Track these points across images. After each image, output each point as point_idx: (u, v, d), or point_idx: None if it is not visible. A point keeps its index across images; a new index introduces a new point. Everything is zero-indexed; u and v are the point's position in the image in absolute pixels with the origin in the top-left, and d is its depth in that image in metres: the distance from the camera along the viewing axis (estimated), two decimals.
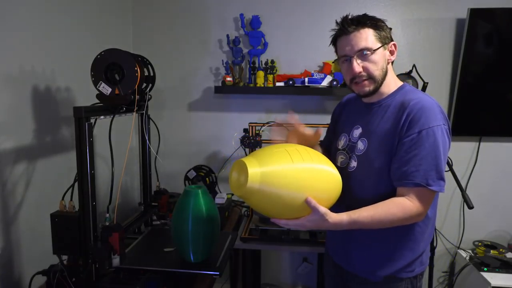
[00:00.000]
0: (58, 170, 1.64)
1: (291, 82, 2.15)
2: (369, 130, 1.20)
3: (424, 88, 1.96)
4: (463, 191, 1.68)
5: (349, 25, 1.15)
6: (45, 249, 1.40)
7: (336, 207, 1.18)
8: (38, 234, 1.50)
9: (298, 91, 2.16)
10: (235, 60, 2.29)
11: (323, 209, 1.04)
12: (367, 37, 1.14)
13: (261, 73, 2.21)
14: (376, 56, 1.15)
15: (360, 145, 1.21)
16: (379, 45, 1.15)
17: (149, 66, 1.53)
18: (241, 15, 2.26)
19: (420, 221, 1.17)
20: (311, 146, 1.31)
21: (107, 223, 1.30)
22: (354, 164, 1.22)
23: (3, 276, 1.37)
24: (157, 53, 2.38)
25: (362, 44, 1.14)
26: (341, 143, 1.30)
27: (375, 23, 1.16)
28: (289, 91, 2.18)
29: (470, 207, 1.61)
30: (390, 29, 1.22)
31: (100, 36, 2.02)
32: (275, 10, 2.30)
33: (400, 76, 2.22)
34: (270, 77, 2.22)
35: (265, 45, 2.30)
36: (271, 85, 2.22)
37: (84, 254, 1.27)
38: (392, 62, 1.23)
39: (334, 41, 1.23)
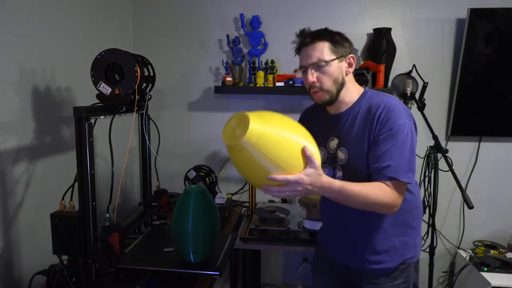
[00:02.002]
0: (58, 170, 1.64)
1: (291, 82, 2.15)
2: (346, 139, 1.25)
3: (424, 88, 1.96)
4: (463, 191, 1.67)
5: (306, 37, 1.23)
6: (45, 249, 1.40)
7: (328, 215, 1.27)
8: (38, 234, 1.50)
9: (298, 91, 2.16)
10: (235, 60, 2.29)
11: (317, 163, 1.03)
12: (322, 50, 1.20)
13: (261, 73, 2.21)
14: (330, 68, 1.20)
15: (341, 155, 1.26)
16: (334, 57, 1.20)
17: (149, 66, 1.53)
18: (241, 15, 2.26)
19: (409, 210, 1.27)
20: None
21: (107, 223, 1.30)
22: (340, 174, 1.26)
23: (3, 276, 1.37)
24: (157, 53, 2.38)
25: (316, 55, 1.20)
26: (320, 156, 1.30)
27: (332, 37, 1.22)
28: (289, 91, 2.18)
29: (470, 207, 1.61)
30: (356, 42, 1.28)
31: (100, 36, 2.02)
32: (275, 10, 2.30)
33: (400, 76, 2.22)
34: (270, 77, 2.22)
35: (265, 45, 2.30)
36: (271, 85, 2.22)
37: (84, 254, 1.27)
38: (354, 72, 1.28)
39: (298, 52, 1.29)
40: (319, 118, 1.38)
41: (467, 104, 2.21)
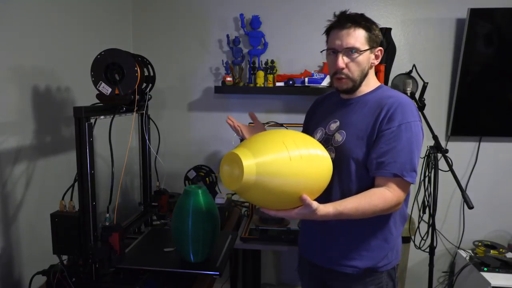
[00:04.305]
0: (58, 170, 1.64)
1: (291, 82, 2.15)
2: (347, 122, 1.24)
3: (424, 88, 1.96)
4: (463, 191, 1.67)
5: (346, 20, 1.18)
6: (45, 249, 1.40)
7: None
8: (38, 234, 1.50)
9: (298, 91, 2.16)
10: (235, 60, 2.29)
11: (315, 204, 1.05)
12: (358, 37, 1.18)
13: (261, 73, 2.21)
14: (361, 57, 1.19)
15: (338, 137, 1.24)
16: (367, 47, 1.19)
17: (149, 66, 1.53)
18: (241, 15, 2.26)
19: (394, 215, 1.24)
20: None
21: (107, 223, 1.30)
22: (332, 155, 1.23)
23: (3, 276, 1.37)
24: (157, 53, 2.38)
25: (352, 42, 1.17)
26: (317, 136, 1.32)
27: (369, 26, 1.19)
28: (289, 91, 2.18)
29: (470, 207, 1.61)
30: (387, 30, 1.24)
31: (100, 36, 2.02)
32: (275, 10, 2.30)
33: (400, 76, 2.22)
34: (270, 77, 2.22)
35: (265, 45, 2.30)
36: (271, 85, 2.22)
37: (84, 254, 1.27)
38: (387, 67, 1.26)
39: (328, 32, 1.26)
40: (328, 103, 1.39)
41: (467, 104, 2.21)
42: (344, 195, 1.17)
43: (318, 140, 1.30)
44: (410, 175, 1.14)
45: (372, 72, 1.27)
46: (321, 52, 1.29)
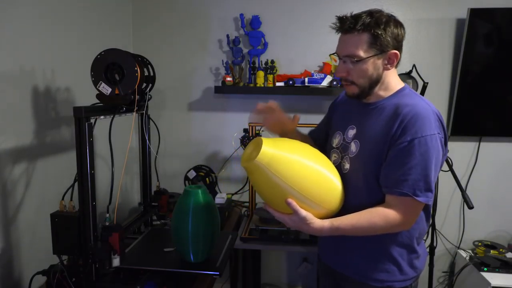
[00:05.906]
0: (58, 170, 1.64)
1: (291, 82, 2.15)
2: (363, 132, 1.17)
3: (424, 88, 1.96)
4: (463, 191, 1.68)
5: (346, 24, 1.09)
6: (45, 249, 1.40)
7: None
8: (38, 234, 1.50)
9: (298, 91, 2.16)
10: (235, 60, 2.29)
11: (304, 213, 1.04)
12: (359, 44, 1.08)
13: (261, 73, 2.21)
14: (364, 65, 1.09)
15: (353, 147, 1.18)
16: (371, 54, 1.08)
17: (149, 66, 1.53)
18: (241, 15, 2.26)
19: (413, 230, 1.16)
20: (289, 131, 1.34)
21: (107, 223, 1.30)
22: (347, 166, 1.19)
23: (3, 276, 1.37)
24: (157, 53, 2.38)
25: (351, 50, 1.09)
26: (336, 141, 1.27)
27: (375, 30, 1.07)
28: (289, 91, 2.18)
29: (470, 207, 1.61)
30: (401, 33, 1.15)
31: (100, 36, 2.02)
32: (275, 10, 2.30)
33: (400, 76, 2.21)
34: (270, 77, 2.22)
35: (265, 45, 2.30)
36: (271, 85, 2.22)
37: (84, 254, 1.27)
38: (397, 65, 1.17)
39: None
40: (351, 104, 1.28)
41: (467, 104, 2.21)
42: (356, 209, 1.10)
43: (336, 145, 1.26)
44: (425, 195, 1.04)
45: (391, 75, 1.16)
46: (330, 56, 1.25)
